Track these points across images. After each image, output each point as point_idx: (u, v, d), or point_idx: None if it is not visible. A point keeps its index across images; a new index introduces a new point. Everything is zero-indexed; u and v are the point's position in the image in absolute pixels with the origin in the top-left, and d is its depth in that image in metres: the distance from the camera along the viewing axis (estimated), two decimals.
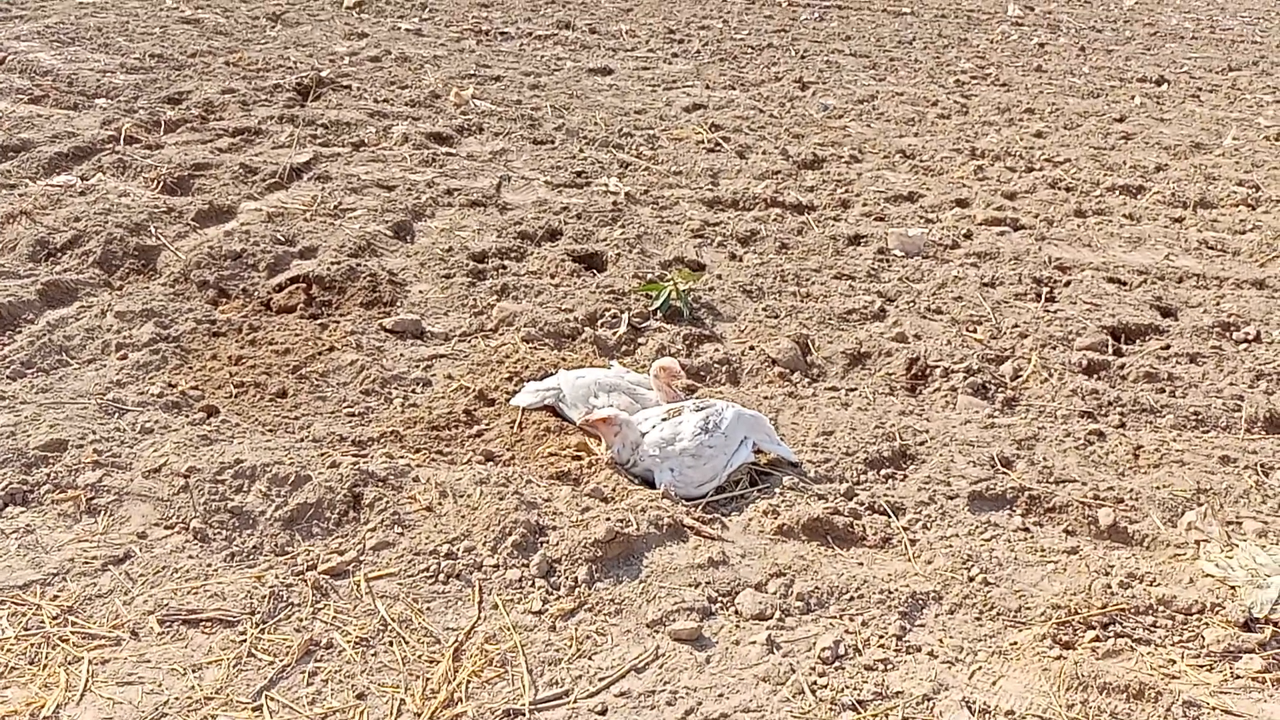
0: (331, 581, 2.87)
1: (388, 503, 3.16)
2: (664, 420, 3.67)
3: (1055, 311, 5.46)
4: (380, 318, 4.71)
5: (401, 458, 3.50)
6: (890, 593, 2.98)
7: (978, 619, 2.93)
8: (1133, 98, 10.96)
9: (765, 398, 4.34)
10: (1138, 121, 10.00)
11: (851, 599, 2.96)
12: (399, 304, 4.90)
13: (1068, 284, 5.87)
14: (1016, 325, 5.24)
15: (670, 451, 3.52)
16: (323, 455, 3.41)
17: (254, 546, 2.98)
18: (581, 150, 7.69)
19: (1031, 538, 3.47)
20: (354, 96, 8.58)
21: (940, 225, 6.70)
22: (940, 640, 2.82)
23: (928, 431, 4.16)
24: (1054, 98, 10.67)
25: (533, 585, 2.93)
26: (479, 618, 2.79)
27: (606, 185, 6.89)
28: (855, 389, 4.55)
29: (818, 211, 6.82)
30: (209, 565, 2.89)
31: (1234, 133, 9.64)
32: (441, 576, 2.93)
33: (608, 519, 3.14)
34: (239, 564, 2.91)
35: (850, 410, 4.30)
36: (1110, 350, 5.10)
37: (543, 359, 4.37)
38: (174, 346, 4.20)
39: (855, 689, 2.58)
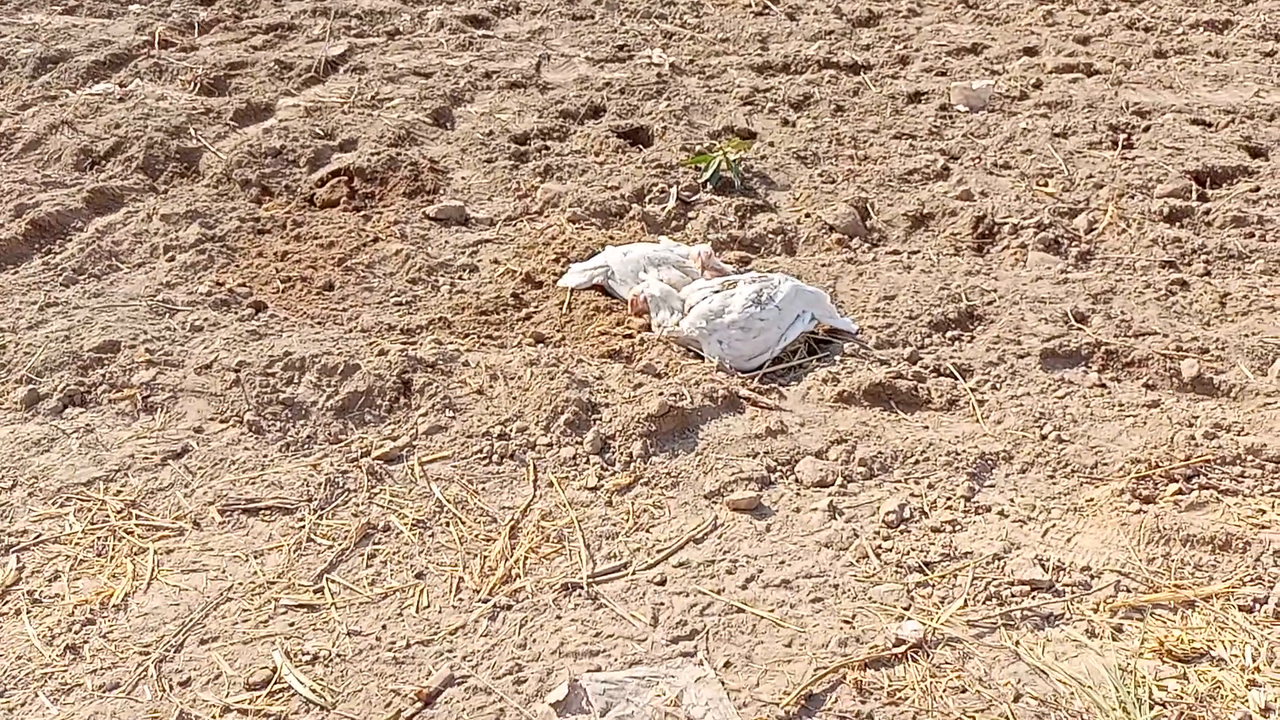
0: (386, 467, 2.85)
1: (438, 387, 3.12)
2: (716, 292, 3.54)
3: (1133, 159, 5.10)
4: (423, 206, 4.62)
5: (450, 343, 3.45)
6: (958, 454, 2.86)
7: (1051, 477, 2.81)
8: None
9: (823, 265, 4.17)
10: None
11: (917, 462, 2.85)
12: (442, 191, 4.79)
13: (1147, 129, 5.48)
14: (1091, 176, 4.92)
15: (718, 324, 3.40)
16: (371, 344, 3.37)
17: (308, 436, 2.98)
18: (623, 23, 7.36)
19: (1109, 393, 3.29)
20: None
21: (1007, 76, 6.28)
22: (1011, 500, 2.71)
23: (996, 290, 3.95)
24: None
25: (587, 462, 2.88)
26: (534, 496, 2.76)
27: (650, 57, 6.59)
28: (918, 251, 4.34)
29: (875, 70, 6.44)
30: (265, 456, 2.90)
31: None
32: (495, 457, 2.89)
33: (661, 394, 3.06)
34: (294, 453, 2.92)
35: (913, 273, 4.10)
36: (1194, 195, 4.76)
37: (589, 239, 4.25)
38: (220, 246, 4.17)
39: (922, 551, 2.50)
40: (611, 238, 4.30)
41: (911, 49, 6.80)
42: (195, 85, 5.96)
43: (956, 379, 3.33)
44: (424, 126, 5.46)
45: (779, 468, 2.86)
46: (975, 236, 4.47)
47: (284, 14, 7.44)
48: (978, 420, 3.07)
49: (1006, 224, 4.48)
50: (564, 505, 2.72)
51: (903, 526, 2.60)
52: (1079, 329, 3.67)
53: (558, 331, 3.63)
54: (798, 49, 6.75)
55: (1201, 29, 7.20)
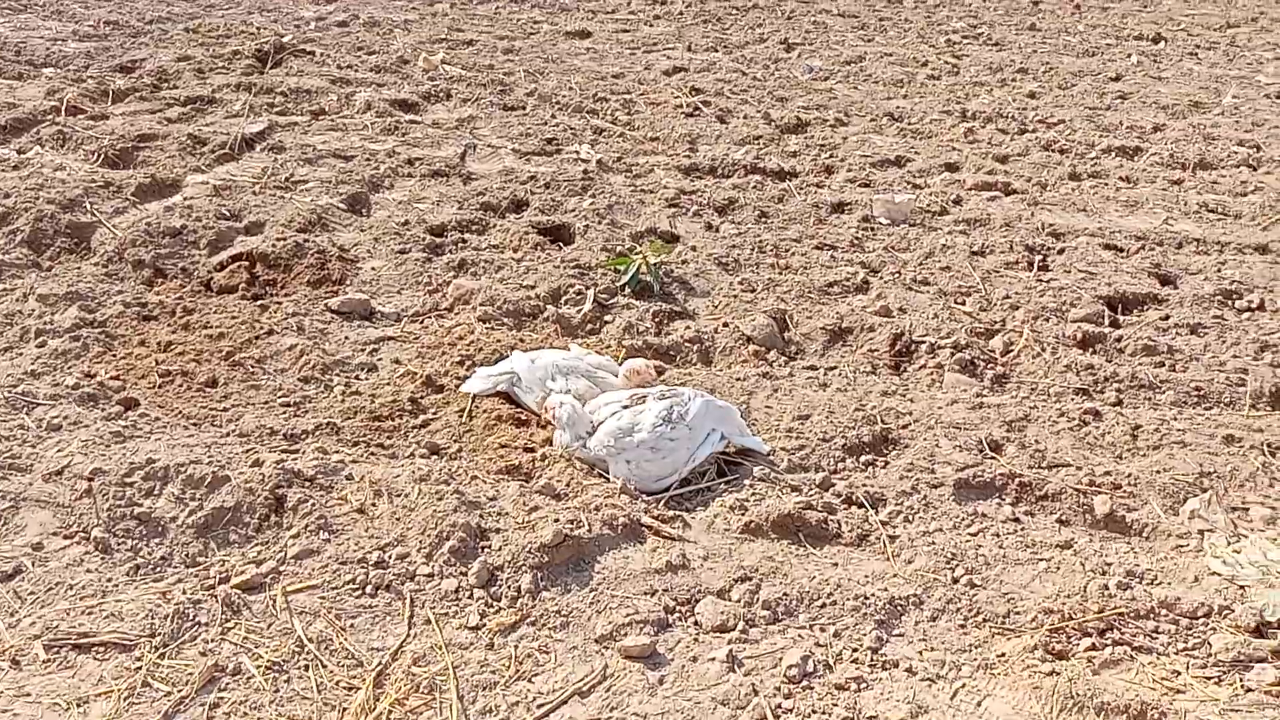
0: (245, 597, 2.58)
1: (314, 505, 2.87)
2: (625, 408, 3.38)
3: (1049, 281, 5.16)
4: (328, 297, 4.40)
5: (336, 452, 3.21)
6: (866, 598, 2.70)
7: (962, 626, 2.66)
8: (1129, 56, 10.58)
9: (738, 379, 4.05)
10: (1134, 80, 9.64)
11: (823, 605, 2.69)
12: (349, 282, 4.59)
13: (1061, 251, 5.57)
14: (1008, 296, 4.94)
15: (627, 443, 3.23)
16: (248, 452, 3.11)
17: (161, 558, 2.70)
18: (554, 116, 7.34)
19: (1022, 529, 3.19)
20: (317, 63, 8.19)
21: (928, 190, 6.38)
22: (920, 653, 2.55)
23: (911, 413, 3.87)
24: (1048, 56, 10.30)
25: (470, 597, 2.65)
26: (408, 635, 2.51)
27: (578, 152, 6.55)
28: (835, 368, 4.26)
29: (800, 178, 6.49)
30: (109, 580, 2.61)
31: (1233, 91, 9.30)
32: (369, 589, 2.64)
33: (557, 519, 2.85)
34: (143, 578, 2.63)
35: (829, 391, 4.01)
36: (1107, 321, 4.80)
37: (499, 340, 4.07)
38: (98, 332, 3.89)
39: (824, 713, 2.31)
40: (522, 340, 4.14)
41: (837, 159, 6.89)
42: (99, 156, 5.70)
43: (868, 510, 3.20)
44: (337, 212, 5.28)
45: (678, 608, 2.66)
46: (892, 354, 4.41)
47: (206, 87, 7.25)
48: (889, 558, 2.93)
49: (924, 343, 4.44)
50: (440, 648, 2.48)
51: (805, 682, 2.41)
52: (993, 458, 3.60)
53: (455, 442, 3.42)
54: (725, 152, 6.79)
55: (1113, 154, 7.45)
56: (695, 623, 2.62)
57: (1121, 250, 5.67)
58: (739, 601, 2.68)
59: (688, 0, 11.75)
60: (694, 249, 5.23)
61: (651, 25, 10.59)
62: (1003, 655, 2.52)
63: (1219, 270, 5.42)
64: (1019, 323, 4.71)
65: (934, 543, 3.00)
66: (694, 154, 6.78)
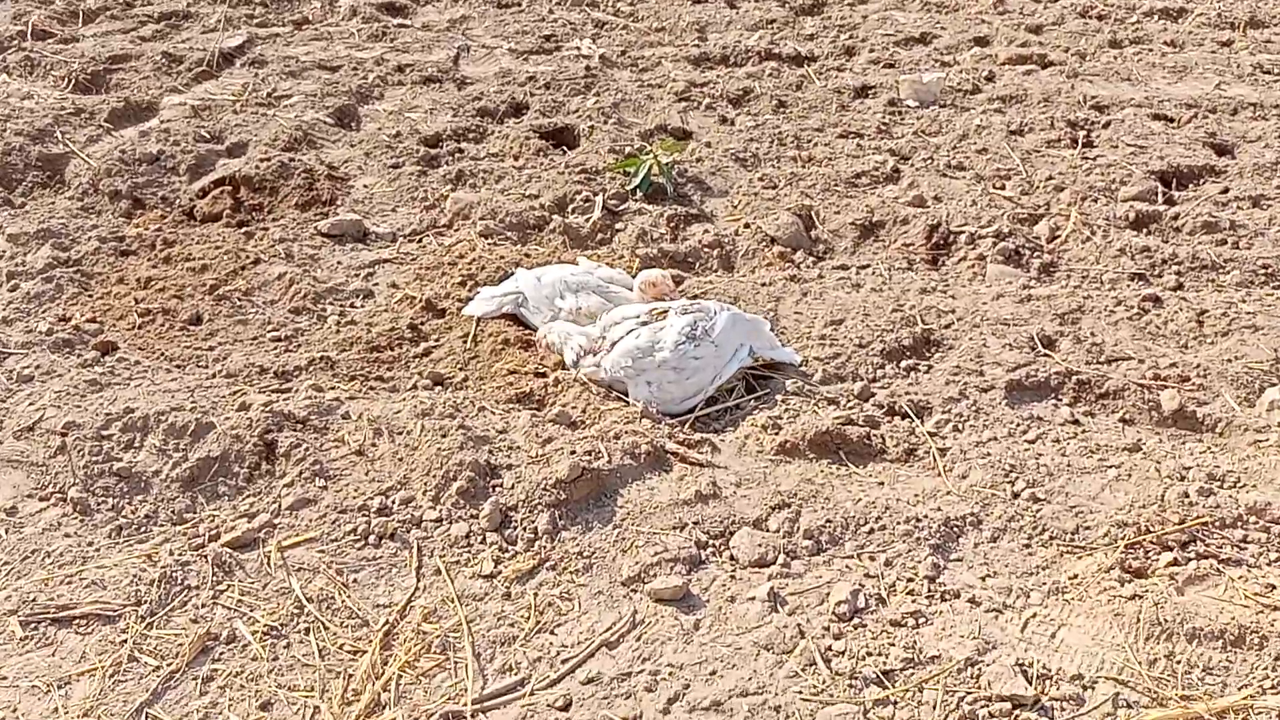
0: (237, 555, 2.36)
1: (308, 449, 2.63)
2: (643, 324, 3.08)
3: (1095, 158, 4.74)
4: (317, 220, 4.09)
5: (331, 389, 2.95)
6: (919, 520, 2.44)
7: (1027, 547, 2.40)
8: None
9: (763, 285, 3.73)
10: None
11: (872, 531, 2.43)
12: (339, 202, 4.27)
13: (1107, 125, 5.13)
14: (1051, 177, 4.55)
15: (647, 364, 2.95)
16: (235, 394, 2.86)
17: (145, 516, 2.48)
18: (551, 11, 6.85)
19: (1084, 432, 2.91)
20: None
21: (958, 68, 5.90)
22: (983, 579, 2.30)
23: (954, 311, 3.55)
24: None
25: (483, 541, 2.41)
26: (417, 589, 2.29)
27: (579, 48, 6.10)
28: (868, 266, 3.93)
29: (819, 62, 6.02)
30: (89, 544, 2.39)
31: None
32: (372, 538, 2.42)
33: (573, 451, 2.60)
34: (126, 540, 2.41)
35: (862, 292, 3.69)
36: (1160, 199, 4.41)
37: (502, 257, 3.76)
38: (73, 271, 3.62)
39: (880, 654, 2.08)
40: (528, 255, 3.83)
41: (858, 39, 6.39)
42: (69, 82, 5.35)
43: (914, 420, 2.92)
44: (324, 127, 4.92)
45: (711, 542, 2.42)
46: (929, 247, 4.07)
47: (180, 1, 6.80)
48: (940, 474, 2.66)
49: (963, 233, 4.08)
50: (452, 600, 2.26)
51: (856, 619, 2.17)
52: (1046, 355, 3.29)
53: (459, 370, 3.15)
54: (738, 39, 6.31)
55: (1156, 17, 6.89)
56: (731, 558, 2.38)
57: (1172, 120, 5.22)
58: (778, 531, 2.43)
59: None
60: (708, 145, 4.84)
61: None
62: (1075, 577, 2.27)
63: None
64: (1065, 205, 4.33)
65: (989, 454, 2.73)
66: (703, 43, 6.31)
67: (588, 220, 4.14)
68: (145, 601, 2.23)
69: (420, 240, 3.99)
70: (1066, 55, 6.13)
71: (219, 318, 3.39)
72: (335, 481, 2.57)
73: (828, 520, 2.45)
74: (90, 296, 3.50)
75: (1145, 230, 4.18)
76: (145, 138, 4.67)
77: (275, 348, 3.24)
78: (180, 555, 2.34)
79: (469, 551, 2.39)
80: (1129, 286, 3.78)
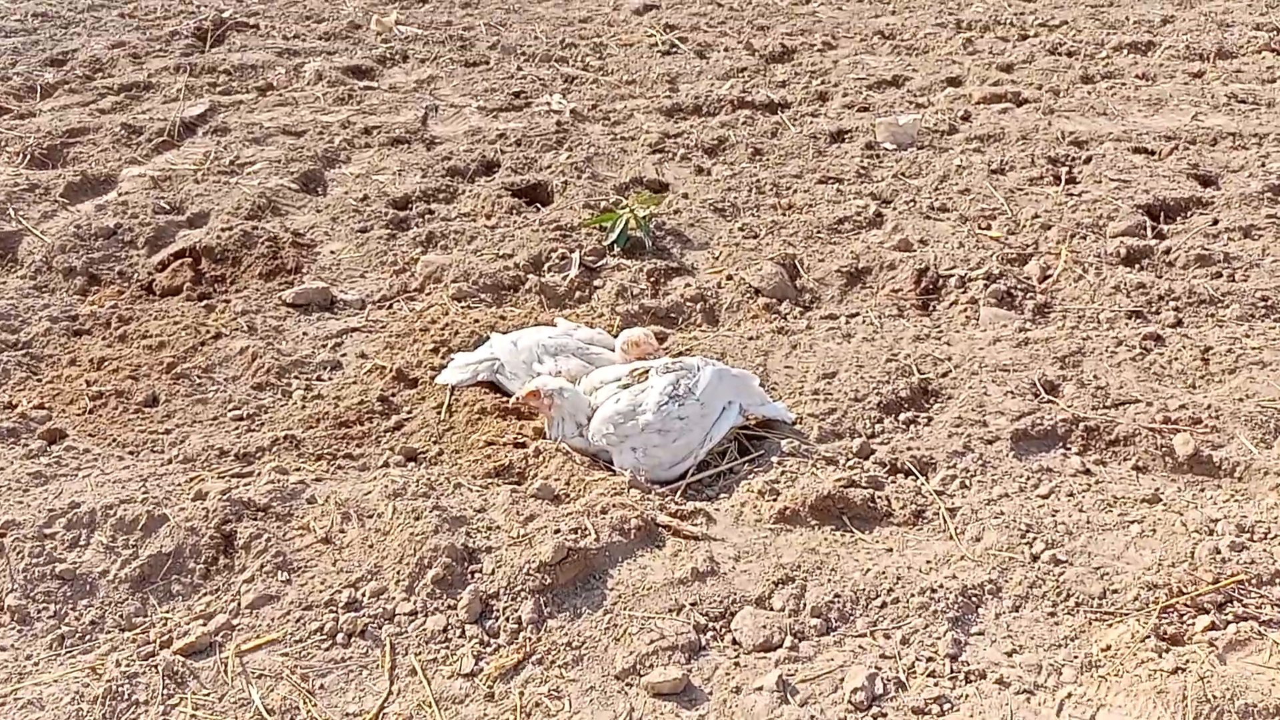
0: (191, 663, 2.14)
1: (270, 540, 2.42)
2: (624, 387, 2.91)
3: (1079, 194, 4.66)
4: (282, 289, 3.92)
5: (296, 471, 2.75)
6: (934, 590, 2.26)
7: (1052, 615, 2.22)
8: None
9: (750, 339, 3.58)
10: None
11: (884, 605, 2.25)
12: (306, 270, 4.10)
13: (1088, 160, 5.06)
14: (1037, 215, 4.45)
15: (630, 428, 2.78)
16: (191, 481, 2.66)
17: (91, 623, 2.26)
18: (520, 68, 6.78)
19: (1098, 483, 2.75)
20: (261, 35, 7.62)
21: (933, 109, 5.86)
22: (1009, 655, 2.11)
23: (950, 359, 3.41)
24: None
25: (462, 635, 2.21)
26: (390, 693, 2.08)
27: (549, 104, 6.01)
28: (857, 314, 3.79)
29: (793, 108, 5.96)
30: (27, 658, 2.17)
31: None
32: (340, 637, 2.20)
33: (558, 530, 2.41)
34: (68, 651, 2.19)
35: (854, 342, 3.54)
36: (1150, 233, 4.32)
37: (477, 320, 3.60)
38: (21, 354, 3.42)
39: None
40: (503, 317, 3.66)
41: (830, 84, 6.35)
42: (24, 157, 5.18)
43: (919, 478, 2.75)
44: (289, 193, 4.77)
45: (711, 625, 2.22)
46: (919, 292, 3.94)
47: (142, 72, 6.69)
48: (952, 537, 2.49)
49: (952, 276, 3.96)
50: (429, 704, 2.05)
51: (875, 708, 1.98)
52: (1050, 402, 3.14)
53: (434, 443, 2.96)
54: (709, 89, 6.25)
55: (1125, 51, 6.91)
56: (734, 641, 2.18)
57: (1152, 153, 5.16)
58: (783, 610, 2.24)
59: None
60: (685, 196, 4.73)
61: None
62: (1108, 649, 2.09)
63: (1262, 164, 4.92)
64: (1054, 244, 4.22)
65: (1002, 512, 2.56)
66: (675, 94, 6.24)
67: (565, 278, 4.00)
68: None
69: (390, 306, 3.82)
70: (1040, 92, 6.10)
71: (176, 398, 3.20)
72: (300, 574, 2.36)
73: (836, 595, 2.27)
74: (39, 380, 3.30)
75: (1138, 266, 4.08)
76: (102, 211, 4.50)
77: (236, 427, 3.05)
78: (128, 666, 2.12)
79: (447, 647, 2.18)
80: (1128, 325, 3.65)
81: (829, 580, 2.32)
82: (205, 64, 6.82)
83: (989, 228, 4.41)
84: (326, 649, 2.18)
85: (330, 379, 3.33)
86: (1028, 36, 7.40)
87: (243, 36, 7.59)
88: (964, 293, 3.88)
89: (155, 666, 2.12)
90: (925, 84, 6.32)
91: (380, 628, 2.22)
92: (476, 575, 2.33)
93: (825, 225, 4.40)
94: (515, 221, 4.47)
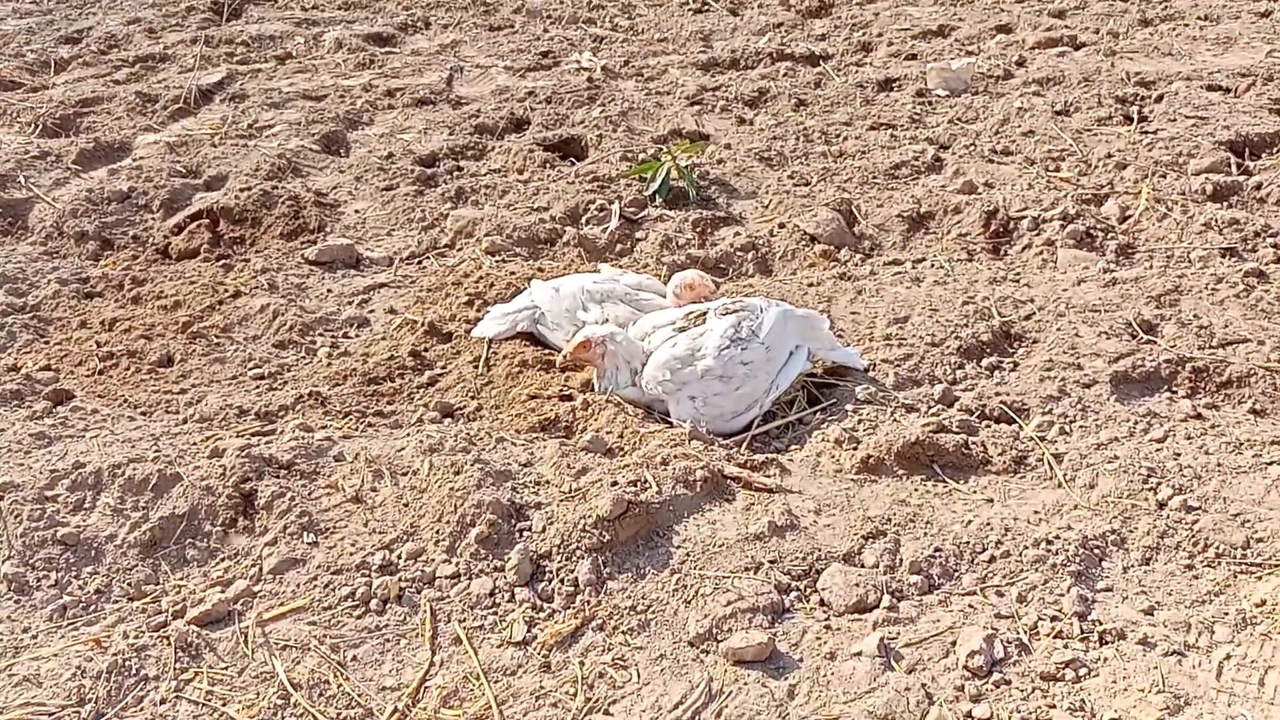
0: (207, 634, 1.90)
1: (294, 499, 2.17)
2: (680, 330, 2.64)
3: (1155, 132, 4.32)
4: (304, 248, 3.67)
5: (322, 428, 2.50)
6: (1049, 542, 1.97)
7: (1189, 568, 1.93)
8: None
9: (810, 285, 3.29)
10: None
11: (993, 559, 1.96)
12: (329, 229, 3.86)
13: (1160, 99, 4.72)
14: (1110, 155, 4.12)
15: (689, 374, 2.50)
16: (209, 439, 2.41)
17: (95, 592, 2.01)
18: (546, 30, 6.51)
19: (1215, 428, 2.44)
20: (279, 8, 7.38)
21: (985, 55, 5.52)
22: (1148, 612, 1.82)
23: (1032, 300, 3.11)
24: None
25: (512, 599, 1.94)
26: (432, 664, 1.82)
27: (579, 61, 5.73)
28: (924, 259, 3.49)
29: (835, 59, 5.64)
30: (25, 630, 1.93)
31: None
32: (374, 603, 1.95)
33: (615, 482, 2.14)
34: (70, 622, 1.95)
35: (924, 286, 3.24)
36: (1235, 169, 3.98)
37: (513, 273, 3.33)
38: (29, 317, 3.20)
39: None
40: (540, 270, 3.39)
41: (873, 35, 6.02)
42: (36, 127, 4.98)
43: (1017, 423, 2.45)
44: (310, 154, 4.53)
45: (794, 585, 1.95)
46: (988, 236, 3.63)
47: (158, 45, 6.48)
48: (1061, 484, 2.19)
49: (1024, 218, 3.65)
50: (477, 676, 1.78)
51: (997, 674, 1.69)
52: (1150, 342, 2.83)
53: (471, 399, 2.70)
54: (745, 43, 5.94)
55: None
56: (822, 602, 1.91)
57: (1228, 90, 4.80)
58: (876, 567, 1.96)
59: None
60: (728, 147, 4.43)
61: None
62: (1263, 604, 1.79)
63: None
64: (1132, 183, 3.90)
65: (1115, 457, 2.26)
66: (710, 49, 5.93)
67: (604, 231, 3.72)
68: (90, 700, 1.76)
69: (420, 262, 3.57)
70: (1098, 36, 5.74)
71: (193, 357, 2.96)
72: (328, 536, 2.11)
73: (936, 549, 1.98)
74: (47, 343, 3.07)
75: (1226, 203, 3.74)
76: (115, 176, 4.28)
77: (257, 386, 2.80)
78: (136, 638, 1.87)
79: (495, 613, 1.92)
80: (1224, 263, 3.33)
81: (925, 533, 2.03)
82: (222, 36, 6.60)
83: (1058, 169, 4.08)
84: (359, 616, 1.92)
85: (358, 336, 3.08)
86: None
87: (260, 9, 7.36)
88: (1038, 235, 3.57)
89: (167, 638, 1.87)
90: (973, 32, 5.98)
91: (419, 592, 1.96)
92: (526, 533, 2.07)
93: (881, 171, 4.09)
94: (549, 175, 4.20)
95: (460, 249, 3.63)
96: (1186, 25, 5.86)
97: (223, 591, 1.98)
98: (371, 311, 3.23)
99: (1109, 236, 3.54)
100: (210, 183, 4.28)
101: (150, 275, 3.51)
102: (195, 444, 2.40)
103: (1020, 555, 1.95)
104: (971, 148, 4.32)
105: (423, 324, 3.04)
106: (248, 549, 2.10)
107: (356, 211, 4.01)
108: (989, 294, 3.14)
